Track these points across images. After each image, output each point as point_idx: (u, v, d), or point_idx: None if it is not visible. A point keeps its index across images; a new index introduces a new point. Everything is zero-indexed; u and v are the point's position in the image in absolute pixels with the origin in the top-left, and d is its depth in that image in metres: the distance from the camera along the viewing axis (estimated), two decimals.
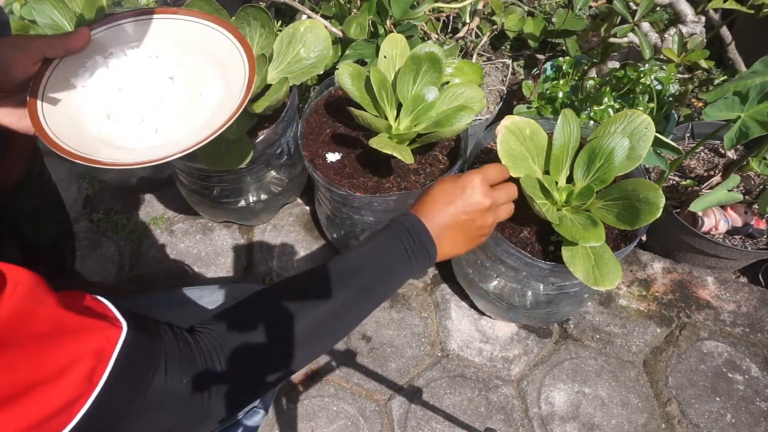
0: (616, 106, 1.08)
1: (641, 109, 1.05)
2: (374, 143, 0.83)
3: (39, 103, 0.57)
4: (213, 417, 0.48)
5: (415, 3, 1.05)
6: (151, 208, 1.36)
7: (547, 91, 1.17)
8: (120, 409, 0.41)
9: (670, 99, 1.14)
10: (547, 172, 0.83)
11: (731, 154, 1.20)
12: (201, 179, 1.12)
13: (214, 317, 0.51)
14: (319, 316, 0.52)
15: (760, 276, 1.22)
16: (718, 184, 1.03)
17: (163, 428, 0.45)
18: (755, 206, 1.11)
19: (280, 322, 0.51)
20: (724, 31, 1.26)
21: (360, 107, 0.89)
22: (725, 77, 1.47)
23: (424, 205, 0.60)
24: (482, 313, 1.17)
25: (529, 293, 1.01)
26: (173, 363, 0.45)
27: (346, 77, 0.89)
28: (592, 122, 1.05)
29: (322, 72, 0.99)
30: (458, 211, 0.59)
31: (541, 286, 0.98)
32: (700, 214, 1.10)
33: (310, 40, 0.97)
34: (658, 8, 1.08)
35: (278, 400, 1.09)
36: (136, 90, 0.64)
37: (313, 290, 0.54)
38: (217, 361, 0.47)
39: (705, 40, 1.08)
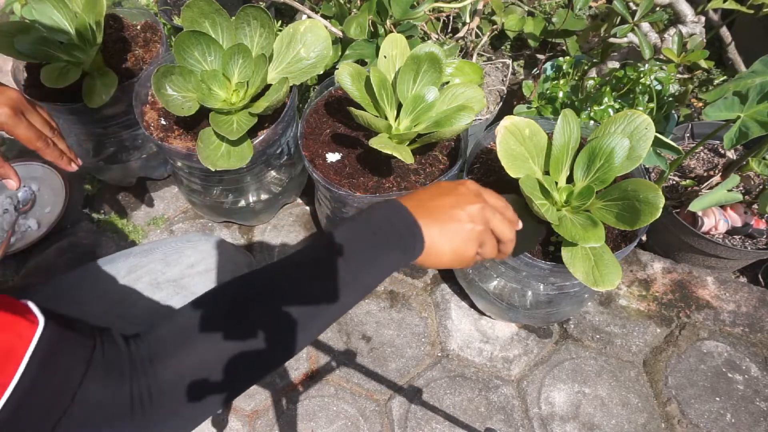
0: (616, 106, 1.08)
1: (641, 109, 1.05)
2: (374, 143, 0.83)
3: None
4: None
5: (415, 3, 1.05)
6: (151, 208, 1.36)
7: (547, 91, 1.17)
8: (42, 416, 0.37)
9: (670, 99, 1.14)
10: (546, 173, 0.83)
11: (731, 154, 1.20)
12: (201, 179, 1.12)
13: (168, 318, 0.45)
14: (282, 323, 0.46)
15: (759, 276, 1.22)
16: (717, 184, 1.03)
17: None
18: (755, 206, 1.11)
19: (231, 339, 0.44)
20: (724, 31, 1.26)
21: (360, 107, 0.89)
22: (725, 77, 1.47)
23: (413, 194, 0.57)
24: (482, 313, 1.17)
25: (529, 293, 1.01)
26: (104, 371, 0.40)
27: (346, 77, 0.89)
28: (592, 122, 1.05)
29: (322, 72, 0.99)
30: (449, 202, 0.55)
31: (541, 286, 0.98)
32: (699, 214, 1.10)
33: (310, 40, 0.97)
34: (657, 8, 1.08)
35: (278, 401, 1.09)
36: None
37: (280, 292, 0.47)
38: (153, 376, 0.41)
39: (705, 40, 1.08)
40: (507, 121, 0.80)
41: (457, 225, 0.54)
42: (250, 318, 0.45)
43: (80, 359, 0.39)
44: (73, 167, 0.74)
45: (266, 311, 0.46)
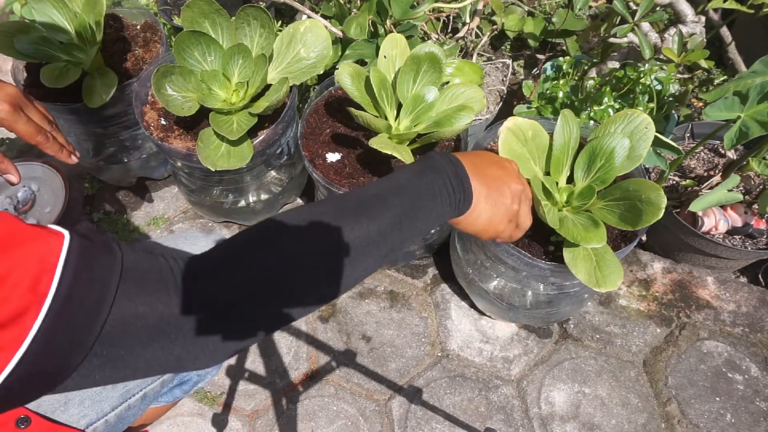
0: (616, 106, 1.08)
1: (641, 109, 1.05)
2: (374, 143, 0.83)
3: None
4: (189, 356, 0.41)
5: (415, 3, 1.05)
6: (151, 208, 1.36)
7: (547, 91, 1.17)
8: (84, 324, 0.36)
9: (670, 99, 1.14)
10: (547, 173, 0.83)
11: (731, 154, 1.20)
12: (201, 179, 1.12)
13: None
14: (331, 248, 0.45)
15: (760, 276, 1.22)
16: (718, 184, 1.03)
17: (133, 358, 0.39)
18: (755, 206, 1.11)
19: (287, 252, 0.44)
20: (724, 31, 1.26)
21: (360, 107, 0.89)
22: (725, 77, 1.47)
23: (466, 155, 0.57)
24: (482, 313, 1.17)
25: (529, 293, 1.01)
26: (143, 281, 0.39)
27: (346, 77, 0.89)
28: (592, 122, 1.05)
29: (322, 72, 0.99)
30: (498, 174, 0.57)
31: (541, 286, 0.98)
32: (700, 214, 1.10)
33: (310, 40, 0.97)
34: (658, 8, 1.08)
35: (278, 401, 1.09)
36: None
37: (328, 216, 0.46)
38: (196, 289, 0.41)
39: (705, 40, 1.08)
40: (510, 122, 0.80)
41: (502, 198, 0.56)
42: (314, 234, 0.45)
43: (112, 268, 0.38)
44: (74, 159, 0.75)
45: (331, 232, 0.46)
